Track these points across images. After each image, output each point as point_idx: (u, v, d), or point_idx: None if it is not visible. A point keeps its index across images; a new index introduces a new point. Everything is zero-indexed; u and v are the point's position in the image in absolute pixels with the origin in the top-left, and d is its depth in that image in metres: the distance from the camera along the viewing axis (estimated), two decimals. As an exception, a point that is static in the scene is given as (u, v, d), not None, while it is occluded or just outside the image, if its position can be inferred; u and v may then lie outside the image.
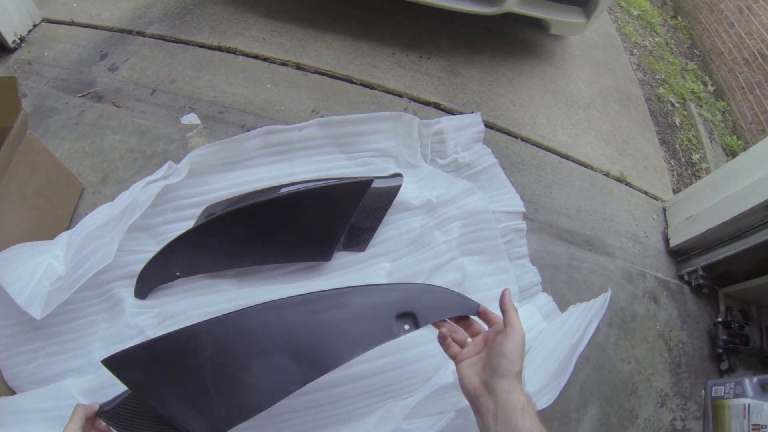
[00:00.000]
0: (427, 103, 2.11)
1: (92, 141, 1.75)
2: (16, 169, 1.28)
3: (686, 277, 1.84)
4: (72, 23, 2.26)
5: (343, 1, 2.55)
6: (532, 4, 2.19)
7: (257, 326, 0.91)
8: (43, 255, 1.26)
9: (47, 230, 1.42)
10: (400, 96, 2.11)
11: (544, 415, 1.27)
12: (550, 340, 1.34)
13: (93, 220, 1.38)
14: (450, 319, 0.94)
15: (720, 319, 1.72)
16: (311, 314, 0.92)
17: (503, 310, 0.85)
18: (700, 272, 1.79)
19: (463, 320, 0.94)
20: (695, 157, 2.64)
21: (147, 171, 1.65)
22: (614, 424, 1.45)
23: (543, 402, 1.21)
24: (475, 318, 0.95)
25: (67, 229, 1.45)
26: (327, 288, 0.98)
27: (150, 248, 1.43)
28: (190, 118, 1.86)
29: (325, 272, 1.44)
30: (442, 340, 0.91)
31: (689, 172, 2.53)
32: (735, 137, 3.05)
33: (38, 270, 1.22)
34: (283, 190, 1.46)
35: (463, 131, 1.85)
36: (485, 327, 0.92)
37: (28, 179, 1.35)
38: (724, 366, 1.67)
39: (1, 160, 1.21)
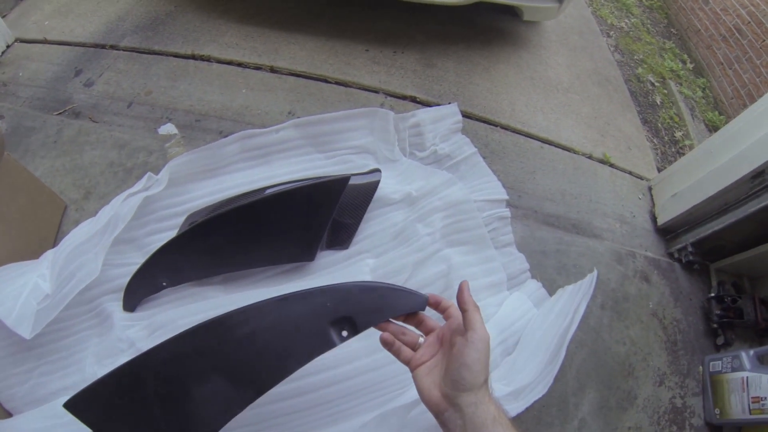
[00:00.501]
0: (404, 97, 2.09)
1: (72, 158, 1.72)
2: None
3: (676, 255, 1.83)
4: (45, 41, 2.23)
5: (312, 2, 2.52)
6: (497, -11, 2.17)
7: (192, 351, 0.87)
8: (28, 274, 1.24)
9: (32, 250, 1.39)
10: (376, 92, 2.09)
11: (540, 402, 1.26)
12: (539, 327, 1.33)
13: (77, 236, 1.36)
14: (397, 317, 0.83)
15: (713, 294, 1.71)
16: (241, 333, 0.86)
17: (463, 310, 0.73)
18: (690, 248, 1.77)
19: (412, 317, 0.83)
20: (678, 134, 2.63)
21: (128, 184, 1.62)
22: (613, 406, 1.43)
23: (538, 391, 1.20)
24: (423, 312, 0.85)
25: (52, 247, 1.43)
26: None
27: (135, 260, 1.40)
28: (168, 129, 1.84)
29: (310, 272, 1.42)
30: (386, 346, 0.80)
31: (673, 149, 2.52)
32: (717, 113, 3.05)
33: (24, 290, 1.20)
34: (262, 194, 1.43)
35: (440, 122, 1.83)
36: (436, 322, 0.82)
37: (9, 201, 1.33)
38: (720, 341, 1.65)
39: None
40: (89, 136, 1.79)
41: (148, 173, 1.53)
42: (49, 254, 1.32)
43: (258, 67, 2.14)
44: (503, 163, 1.91)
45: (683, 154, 2.48)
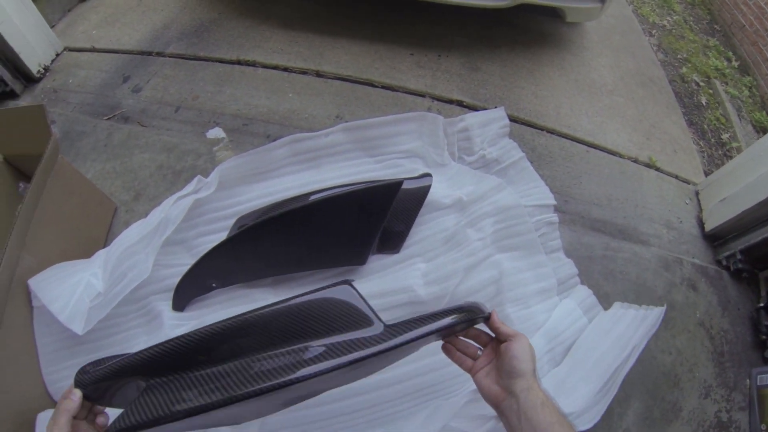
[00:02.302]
0: (450, 101, 2.10)
1: (122, 161, 1.79)
2: (51, 193, 1.31)
3: (724, 262, 1.80)
4: (93, 50, 2.31)
5: (356, 6, 2.55)
6: (541, -9, 2.16)
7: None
8: (81, 273, 1.29)
9: (84, 249, 1.45)
10: (422, 96, 2.11)
11: None
12: (596, 346, 1.33)
13: (128, 237, 1.40)
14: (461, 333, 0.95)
15: (762, 304, 1.68)
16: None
17: (497, 330, 0.88)
18: (739, 256, 1.74)
19: (472, 330, 0.95)
20: (725, 136, 2.59)
21: (177, 186, 1.67)
22: (657, 417, 1.43)
23: (585, 423, 1.21)
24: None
25: (103, 247, 1.48)
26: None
27: (185, 261, 1.45)
28: (216, 132, 1.88)
29: (360, 276, 1.45)
30: (448, 354, 0.94)
31: (720, 152, 2.48)
32: (764, 113, 2.97)
33: (78, 287, 1.25)
34: (313, 197, 1.47)
35: (488, 127, 1.84)
36: (490, 335, 0.93)
37: (63, 202, 1.38)
38: (769, 353, 1.64)
39: (36, 185, 1.25)
40: (138, 139, 1.85)
41: (198, 176, 1.57)
42: (102, 254, 1.37)
43: (304, 72, 2.18)
44: (550, 168, 1.91)
45: (730, 156, 2.44)
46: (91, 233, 1.54)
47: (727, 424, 1.49)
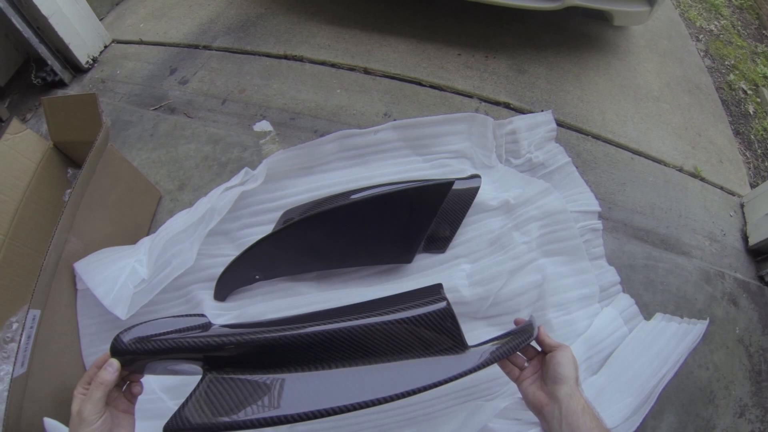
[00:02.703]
0: (497, 103, 2.11)
1: (167, 151, 1.84)
2: (100, 179, 1.37)
3: (767, 278, 1.79)
4: (140, 42, 2.38)
5: (404, 4, 2.56)
6: (592, -5, 2.14)
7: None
8: (126, 259, 1.33)
9: (129, 236, 1.51)
10: (470, 97, 2.12)
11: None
12: (636, 358, 1.33)
13: (173, 225, 1.45)
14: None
15: (803, 323, 1.67)
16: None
17: (543, 342, 0.95)
18: (783, 273, 1.73)
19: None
20: (772, 148, 2.54)
21: (222, 178, 1.71)
22: (691, 433, 1.44)
23: None
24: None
25: (147, 234, 1.53)
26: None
27: (228, 252, 1.49)
28: (263, 125, 1.92)
29: (405, 274, 1.47)
30: (501, 364, 0.99)
31: (766, 164, 2.44)
32: None
33: (122, 273, 1.29)
34: (362, 194, 1.49)
35: (535, 130, 1.84)
36: (535, 348, 0.99)
37: (110, 188, 1.44)
38: (808, 373, 1.62)
39: (86, 171, 1.30)
40: (184, 130, 1.90)
41: (246, 168, 1.60)
42: (146, 241, 1.41)
43: (351, 68, 2.20)
44: (594, 174, 1.91)
45: (776, 169, 2.41)
46: (137, 220, 1.60)
47: (760, 446, 1.49)
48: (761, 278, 1.80)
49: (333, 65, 2.22)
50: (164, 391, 1.26)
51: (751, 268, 1.83)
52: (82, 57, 2.22)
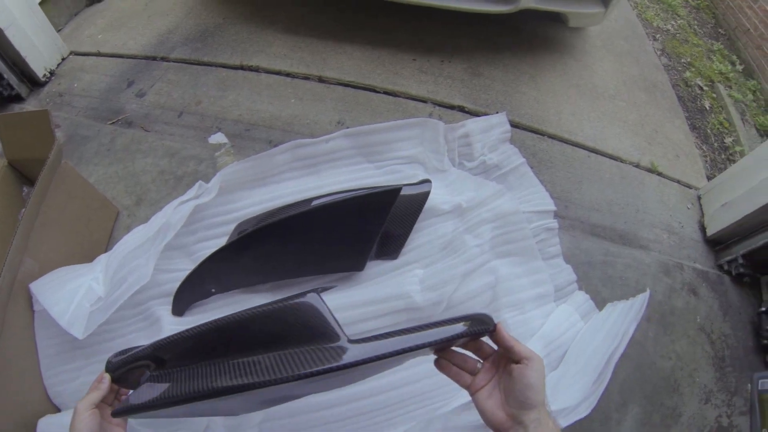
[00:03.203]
0: (452, 107, 2.11)
1: (124, 165, 1.81)
2: (54, 197, 1.34)
3: (726, 267, 1.80)
4: (98, 54, 2.35)
5: (359, 10, 2.56)
6: (546, -2, 2.17)
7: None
8: (82, 277, 1.31)
9: (86, 253, 1.48)
10: (424, 102, 2.12)
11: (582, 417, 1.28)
12: (588, 343, 1.34)
13: (129, 242, 1.43)
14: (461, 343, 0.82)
15: (763, 309, 1.68)
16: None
17: (507, 347, 0.75)
18: (740, 260, 1.74)
19: (472, 343, 0.82)
20: (728, 140, 2.58)
21: (178, 191, 1.69)
22: (657, 423, 1.43)
23: (582, 411, 1.21)
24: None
25: (105, 251, 1.51)
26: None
27: (185, 267, 1.47)
28: (218, 138, 1.90)
29: (358, 282, 1.46)
30: (444, 370, 0.82)
31: (723, 156, 2.48)
32: None
33: (79, 292, 1.27)
34: (312, 203, 1.48)
35: (489, 132, 1.85)
36: (492, 348, 0.81)
37: (65, 206, 1.41)
38: (770, 357, 1.63)
39: (39, 189, 1.28)
40: (141, 144, 1.88)
41: (199, 182, 1.59)
42: (103, 258, 1.39)
43: (306, 77, 2.20)
44: (550, 173, 1.92)
45: (734, 161, 2.43)
46: (93, 237, 1.57)
47: (727, 429, 1.49)
48: (720, 267, 1.82)
49: (288, 75, 2.21)
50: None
51: (709, 258, 1.85)
52: (39, 70, 2.17)
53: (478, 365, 0.81)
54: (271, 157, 1.67)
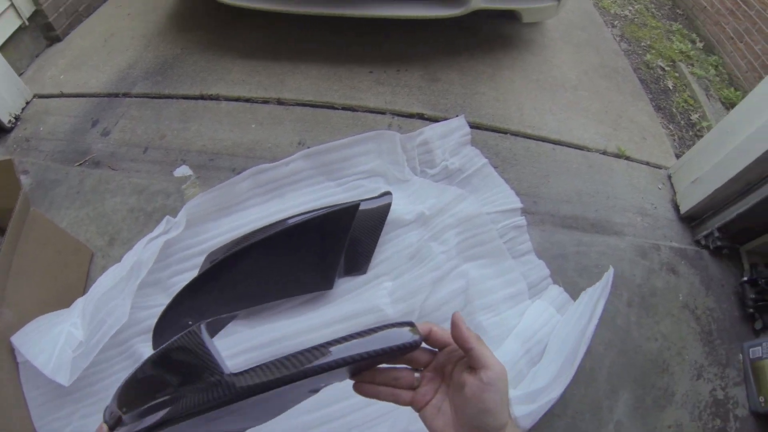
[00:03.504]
0: (411, 116, 2.11)
1: (95, 207, 1.80)
2: (26, 246, 1.33)
3: (703, 242, 1.79)
4: (61, 95, 2.33)
5: (314, 30, 2.57)
6: (498, -3, 2.17)
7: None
8: (62, 324, 1.30)
9: (64, 298, 1.46)
10: (383, 113, 2.12)
11: (572, 409, 1.25)
12: (561, 331, 1.32)
13: (103, 283, 1.42)
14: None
15: (746, 278, 1.67)
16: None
17: (466, 349, 0.57)
18: (716, 234, 1.74)
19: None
20: (694, 117, 2.59)
21: (149, 228, 1.68)
22: (650, 405, 1.41)
23: (557, 391, 1.19)
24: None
25: (83, 294, 1.49)
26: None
27: (161, 302, 1.45)
28: (183, 170, 1.90)
29: (329, 300, 1.45)
30: (369, 394, 0.63)
31: (690, 133, 2.48)
32: (732, 89, 2.98)
33: (59, 339, 1.26)
34: (275, 229, 1.47)
35: (448, 137, 1.85)
36: (430, 353, 0.64)
37: (38, 254, 1.40)
38: (758, 325, 1.61)
39: (9, 239, 1.27)
40: (109, 184, 1.86)
41: (167, 217, 1.59)
42: (80, 302, 1.38)
43: (265, 101, 2.20)
44: (516, 171, 1.91)
45: (701, 136, 2.43)
46: (70, 281, 1.55)
47: (723, 401, 1.47)
48: (698, 242, 1.81)
49: (248, 100, 2.21)
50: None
51: (686, 235, 1.84)
52: (4, 116, 2.15)
53: (416, 375, 0.64)
54: (234, 186, 1.67)
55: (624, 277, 1.63)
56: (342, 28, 2.56)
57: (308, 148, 1.78)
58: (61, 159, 2.02)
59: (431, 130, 1.84)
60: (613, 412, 1.37)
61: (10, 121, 2.18)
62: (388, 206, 1.51)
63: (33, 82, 2.40)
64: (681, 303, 1.63)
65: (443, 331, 0.61)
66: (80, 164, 1.98)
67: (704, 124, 2.54)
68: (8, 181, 1.39)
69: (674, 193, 1.97)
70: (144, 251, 1.46)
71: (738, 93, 2.92)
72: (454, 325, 0.58)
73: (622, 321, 1.54)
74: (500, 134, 2.06)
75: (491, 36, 2.65)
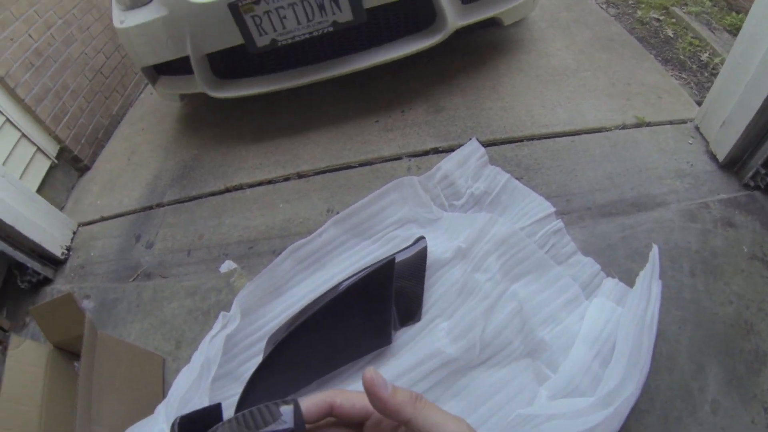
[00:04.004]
0: (426, 153, 2.15)
1: (156, 315, 1.91)
2: (101, 366, 1.45)
3: (752, 183, 1.72)
4: (102, 219, 2.52)
5: (311, 94, 2.69)
6: (471, 11, 2.22)
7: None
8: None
9: (146, 406, 1.54)
10: (399, 158, 2.16)
11: (660, 398, 1.22)
12: (625, 322, 1.30)
13: (180, 386, 1.49)
14: None
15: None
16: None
17: (402, 420, 0.41)
18: (763, 170, 1.67)
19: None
20: (704, 56, 2.52)
21: (209, 324, 1.77)
22: (742, 373, 1.34)
23: (630, 388, 1.15)
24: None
25: (162, 398, 1.58)
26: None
27: (236, 390, 1.52)
28: (227, 266, 2.00)
29: (392, 354, 1.48)
30: None
31: (706, 74, 2.42)
32: (734, 13, 2.86)
33: None
34: (327, 298, 1.52)
35: (466, 164, 1.88)
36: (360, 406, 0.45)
37: (114, 370, 1.51)
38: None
39: (85, 364, 1.38)
40: (164, 292, 1.98)
41: (222, 313, 1.67)
42: (161, 408, 1.44)
43: (286, 178, 2.30)
44: (541, 175, 1.91)
45: (717, 74, 2.37)
46: (148, 389, 1.66)
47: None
48: (746, 186, 1.74)
49: (269, 182, 2.31)
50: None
51: (732, 182, 1.77)
52: (57, 250, 2.33)
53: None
54: (276, 268, 1.74)
55: (679, 248, 1.58)
56: (335, 88, 2.67)
57: (337, 213, 1.85)
58: (116, 278, 2.17)
59: (448, 163, 1.87)
60: (705, 391, 1.32)
61: (62, 252, 2.36)
62: (424, 251, 1.54)
63: (74, 213, 2.62)
64: (747, 255, 1.56)
65: (359, 397, 0.45)
66: (134, 279, 2.12)
67: (716, 60, 2.47)
68: (73, 311, 1.51)
69: (707, 143, 1.91)
70: (209, 349, 1.54)
71: (740, 16, 2.81)
72: (371, 393, 0.42)
73: (689, 294, 1.49)
74: (516, 143, 2.07)
75: (481, 49, 2.69)
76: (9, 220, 2.08)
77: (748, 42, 1.64)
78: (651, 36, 2.71)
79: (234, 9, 1.97)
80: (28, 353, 1.52)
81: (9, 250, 2.12)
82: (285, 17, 2.00)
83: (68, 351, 1.66)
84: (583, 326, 1.37)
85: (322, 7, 1.98)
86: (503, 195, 1.76)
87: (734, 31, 2.73)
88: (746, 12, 2.69)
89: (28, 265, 2.19)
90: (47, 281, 2.28)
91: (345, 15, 2.01)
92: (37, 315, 1.56)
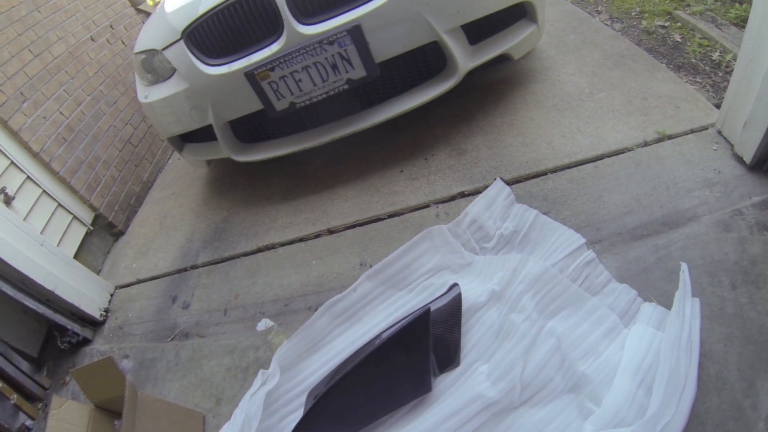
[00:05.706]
0: (453, 198, 2.18)
1: (195, 374, 2.00)
2: (142, 426, 1.53)
3: (783, 178, 1.68)
4: (138, 281, 2.66)
5: (336, 150, 2.79)
6: (480, 51, 2.28)
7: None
8: None
9: None
10: (427, 206, 2.20)
11: (711, 422, 1.21)
12: (666, 346, 1.30)
13: None
14: None
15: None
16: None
17: None
18: (793, 167, 1.64)
19: None
20: (715, 56, 2.51)
21: (249, 381, 1.84)
22: (799, 383, 1.31)
23: (669, 412, 1.17)
24: None
25: None
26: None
27: None
28: (264, 324, 2.07)
29: (433, 401, 1.50)
30: None
31: (720, 74, 2.40)
32: (737, 5, 2.84)
33: None
34: (366, 351, 1.58)
35: (493, 206, 1.92)
36: None
37: (155, 429, 1.60)
38: None
39: (126, 424, 1.47)
40: (202, 350, 2.07)
41: (261, 370, 1.75)
42: None
43: (317, 235, 2.37)
44: (568, 207, 1.92)
45: (732, 71, 2.35)
46: None
47: None
48: (779, 184, 1.70)
49: (301, 240, 2.39)
50: None
51: (763, 183, 1.74)
52: (95, 312, 2.48)
53: None
54: (313, 325, 1.82)
55: (716, 261, 1.56)
56: (358, 142, 2.75)
57: (370, 266, 1.91)
58: (154, 338, 2.28)
59: (475, 207, 1.92)
60: (758, 408, 1.27)
61: (101, 315, 2.51)
62: (458, 297, 1.59)
63: (111, 276, 2.78)
64: (789, 257, 1.53)
65: None
66: (172, 339, 2.23)
67: (728, 57, 2.45)
68: (113, 373, 1.63)
69: (731, 146, 1.89)
70: (250, 406, 1.63)
71: (744, 6, 2.78)
72: None
73: (732, 308, 1.45)
74: (540, 177, 2.09)
75: (495, 85, 2.75)
76: (49, 285, 2.24)
77: (756, 37, 1.63)
78: (659, 44, 2.72)
79: (251, 77, 2.10)
80: (70, 413, 1.64)
81: (49, 314, 2.27)
82: (300, 80, 2.11)
83: (109, 410, 1.77)
84: (624, 356, 1.37)
85: (335, 67, 2.08)
86: (533, 232, 1.80)
87: (741, 23, 2.70)
88: (749, 1, 2.69)
89: (68, 327, 2.34)
90: (86, 342, 2.42)
91: (358, 72, 2.11)
92: (78, 377, 1.68)
